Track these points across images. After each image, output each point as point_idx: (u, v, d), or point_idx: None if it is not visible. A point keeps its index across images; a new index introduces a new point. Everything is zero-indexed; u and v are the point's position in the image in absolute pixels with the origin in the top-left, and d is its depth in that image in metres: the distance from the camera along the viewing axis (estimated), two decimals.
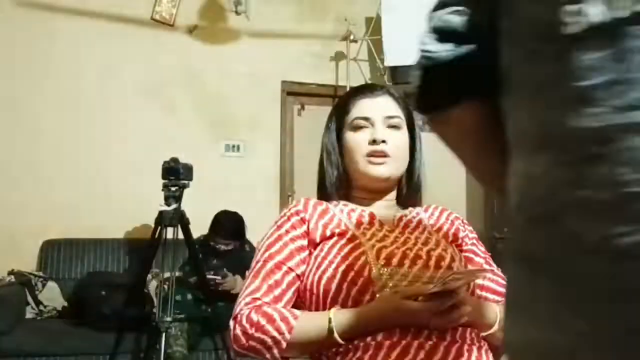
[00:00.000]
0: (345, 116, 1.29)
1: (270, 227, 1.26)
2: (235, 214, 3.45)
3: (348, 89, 3.42)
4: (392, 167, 1.26)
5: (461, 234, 1.29)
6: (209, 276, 3.17)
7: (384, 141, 1.25)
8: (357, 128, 1.28)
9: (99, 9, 3.74)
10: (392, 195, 1.32)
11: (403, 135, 1.30)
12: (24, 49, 3.67)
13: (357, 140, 1.27)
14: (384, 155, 1.25)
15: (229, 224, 3.43)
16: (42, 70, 3.69)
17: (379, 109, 1.29)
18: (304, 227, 1.20)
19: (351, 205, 1.27)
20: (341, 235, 1.18)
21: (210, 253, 3.41)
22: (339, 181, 1.29)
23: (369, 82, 3.96)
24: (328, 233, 1.19)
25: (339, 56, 4.25)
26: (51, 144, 3.69)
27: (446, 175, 4.14)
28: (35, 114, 3.65)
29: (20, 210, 3.55)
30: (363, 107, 1.30)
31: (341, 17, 4.20)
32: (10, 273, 3.40)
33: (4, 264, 3.41)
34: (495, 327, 1.13)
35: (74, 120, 3.75)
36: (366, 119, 1.28)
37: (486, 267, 1.26)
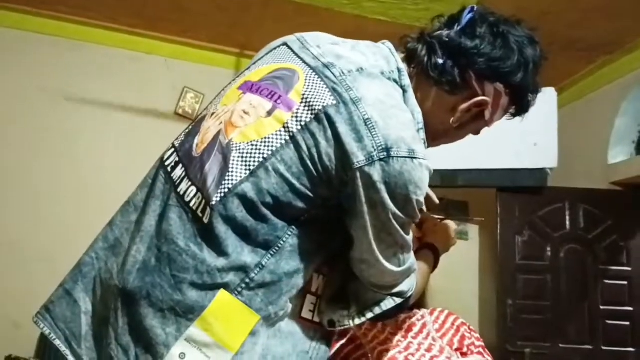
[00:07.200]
0: None
1: None
2: None
3: None
4: None
5: (467, 342, 1.24)
6: None
7: None
8: None
9: (128, 103, 3.90)
10: None
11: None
12: (49, 141, 3.76)
13: None
14: None
15: None
16: (67, 161, 3.75)
17: None
18: None
19: None
20: (342, 335, 1.15)
21: None
22: None
23: None
24: None
25: None
26: (69, 237, 3.68)
27: (459, 282, 4.06)
28: (55, 205, 3.68)
29: (26, 297, 3.50)
30: None
31: None
32: (8, 359, 3.32)
33: (3, 350, 3.32)
34: None
35: (94, 211, 3.77)
36: None
37: None
